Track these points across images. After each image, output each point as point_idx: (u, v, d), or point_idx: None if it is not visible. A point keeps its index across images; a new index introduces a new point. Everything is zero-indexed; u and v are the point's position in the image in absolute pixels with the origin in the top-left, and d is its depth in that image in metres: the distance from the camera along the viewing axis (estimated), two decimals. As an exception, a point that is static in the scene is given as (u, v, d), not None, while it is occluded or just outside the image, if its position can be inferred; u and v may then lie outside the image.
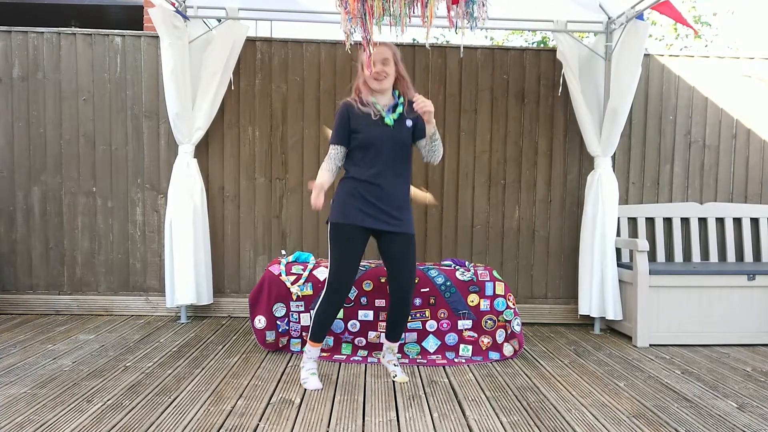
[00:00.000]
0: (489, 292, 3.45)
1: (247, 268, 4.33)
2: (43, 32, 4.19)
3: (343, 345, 3.41)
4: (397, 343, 3.09)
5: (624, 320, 3.96)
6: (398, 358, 3.13)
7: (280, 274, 3.44)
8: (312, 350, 2.94)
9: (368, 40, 2.83)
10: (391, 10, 2.74)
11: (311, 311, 3.39)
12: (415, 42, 4.85)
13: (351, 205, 2.83)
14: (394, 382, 2.95)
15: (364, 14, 2.69)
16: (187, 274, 3.94)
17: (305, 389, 2.81)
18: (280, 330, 3.40)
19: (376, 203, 2.82)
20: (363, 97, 2.89)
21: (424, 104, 2.70)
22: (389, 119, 2.84)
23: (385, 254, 2.91)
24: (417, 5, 2.74)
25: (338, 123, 2.87)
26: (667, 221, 4.34)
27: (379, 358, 3.26)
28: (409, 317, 3.38)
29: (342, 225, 2.84)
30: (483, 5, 2.78)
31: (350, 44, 2.84)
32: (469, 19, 2.80)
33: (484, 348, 3.42)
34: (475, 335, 3.43)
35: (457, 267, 3.55)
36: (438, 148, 2.92)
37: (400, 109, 2.88)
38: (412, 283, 2.92)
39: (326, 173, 2.86)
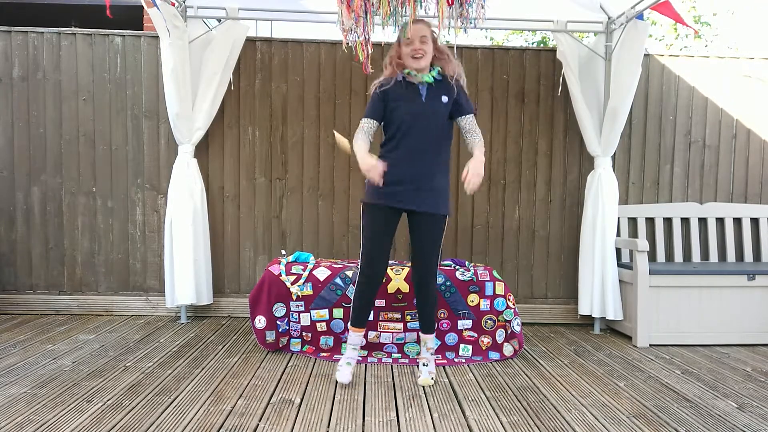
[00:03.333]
0: (489, 292, 3.45)
1: (247, 268, 4.33)
2: (43, 32, 4.19)
3: (343, 345, 3.40)
4: (430, 336, 2.98)
5: (624, 320, 3.96)
6: (431, 356, 3.00)
7: (280, 274, 3.44)
8: (353, 336, 2.94)
9: (367, 39, 2.84)
10: (398, 9, 2.74)
11: (311, 311, 3.39)
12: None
13: (384, 185, 2.75)
14: (394, 382, 2.95)
15: (366, 13, 2.70)
16: (187, 274, 3.94)
17: (305, 389, 2.81)
18: (280, 330, 3.40)
19: (407, 182, 2.78)
20: (396, 70, 2.84)
21: (474, 184, 2.67)
22: (428, 77, 2.80)
23: (410, 235, 2.89)
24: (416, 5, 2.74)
25: (373, 98, 2.85)
26: (667, 221, 4.34)
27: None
28: (410, 317, 3.39)
29: (371, 205, 2.83)
30: (482, 7, 2.78)
31: (347, 44, 2.84)
32: (463, 20, 2.80)
33: (484, 348, 3.42)
34: (475, 335, 3.43)
35: (457, 267, 3.55)
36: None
37: (433, 74, 2.82)
38: (429, 267, 2.86)
39: (362, 142, 2.78)
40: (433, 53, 2.84)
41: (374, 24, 2.84)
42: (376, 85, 2.88)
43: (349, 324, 2.99)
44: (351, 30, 2.78)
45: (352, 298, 2.96)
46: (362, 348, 3.38)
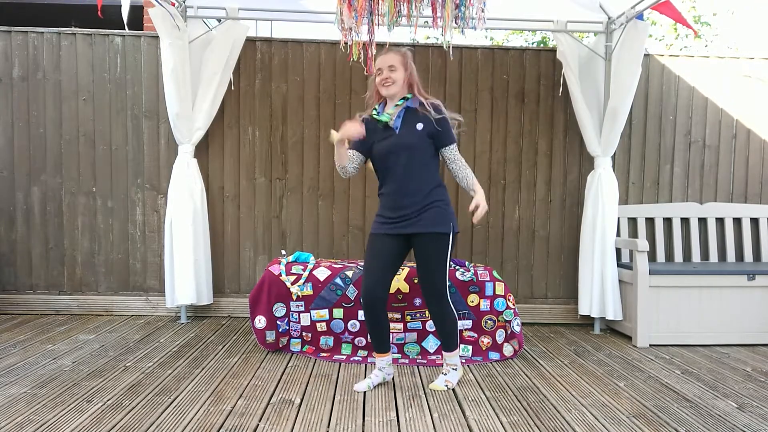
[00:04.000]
0: (489, 292, 3.45)
1: (247, 268, 4.33)
2: (43, 32, 4.19)
3: (343, 345, 3.41)
4: (451, 353, 2.89)
5: (624, 320, 3.96)
6: (453, 370, 2.91)
7: (280, 274, 3.44)
8: (377, 360, 2.89)
9: (371, 40, 2.84)
10: (403, 11, 2.74)
11: (311, 311, 3.39)
12: (415, 42, 4.85)
13: (378, 216, 2.87)
14: (394, 382, 2.95)
15: (370, 14, 2.70)
16: (187, 274, 3.94)
17: (305, 389, 2.81)
18: (280, 330, 3.40)
19: (395, 210, 2.79)
20: (370, 111, 2.87)
21: (477, 211, 2.73)
22: (385, 116, 2.79)
23: (416, 261, 2.85)
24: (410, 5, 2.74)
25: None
26: (667, 221, 4.34)
27: None
28: (410, 317, 3.39)
29: (371, 235, 2.89)
30: (482, 10, 2.77)
31: (346, 43, 2.84)
32: (459, 21, 2.80)
33: (484, 348, 3.42)
34: (475, 335, 3.43)
35: (457, 267, 3.55)
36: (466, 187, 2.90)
37: (393, 109, 2.80)
38: (435, 287, 2.78)
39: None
40: (406, 79, 2.79)
41: (378, 25, 2.85)
42: (360, 116, 2.88)
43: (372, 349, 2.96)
44: (351, 29, 2.78)
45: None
46: (362, 348, 3.40)
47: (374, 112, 2.86)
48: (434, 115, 2.78)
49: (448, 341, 2.88)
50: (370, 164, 2.96)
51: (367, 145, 2.85)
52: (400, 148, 2.78)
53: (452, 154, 2.86)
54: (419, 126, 2.79)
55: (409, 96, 2.82)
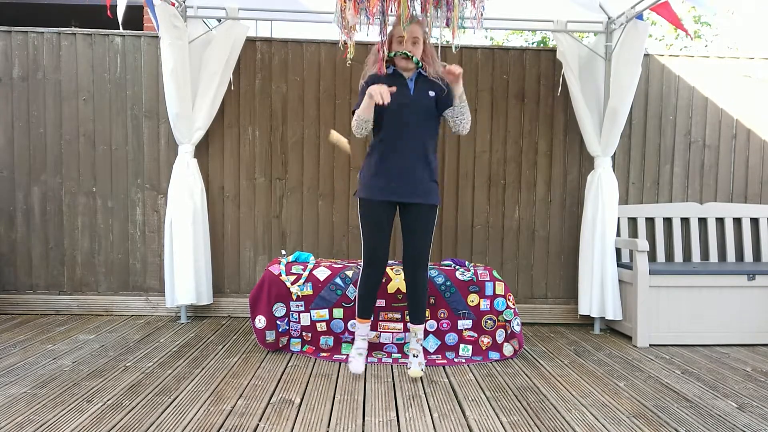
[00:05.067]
0: (489, 292, 3.45)
1: (247, 268, 4.33)
2: (43, 32, 4.19)
3: (343, 345, 3.41)
4: (420, 326, 3.03)
5: (624, 320, 3.96)
6: (421, 347, 3.05)
7: (280, 274, 3.44)
8: (360, 327, 3.02)
9: (383, 41, 2.84)
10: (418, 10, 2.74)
11: (311, 311, 3.39)
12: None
13: (374, 179, 2.88)
14: (394, 382, 2.95)
15: (382, 14, 2.70)
16: (187, 274, 3.94)
17: (305, 389, 2.81)
18: (280, 330, 3.40)
19: (397, 176, 2.85)
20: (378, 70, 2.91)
21: (455, 67, 2.75)
22: (415, 59, 2.86)
23: (402, 225, 2.97)
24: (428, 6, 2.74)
25: (362, 93, 2.90)
26: (667, 221, 4.34)
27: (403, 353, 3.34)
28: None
29: (366, 200, 2.91)
30: (482, 10, 2.77)
31: (345, 42, 2.84)
32: (449, 22, 2.80)
33: (484, 348, 3.42)
34: (475, 335, 3.43)
35: (457, 267, 3.55)
36: (466, 112, 2.95)
37: (415, 75, 2.91)
38: (421, 256, 2.93)
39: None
40: (421, 55, 2.92)
41: (390, 25, 2.86)
42: (365, 79, 2.95)
43: (356, 315, 3.06)
44: (353, 28, 2.78)
45: (357, 289, 3.04)
46: (362, 348, 3.40)
47: (397, 53, 2.87)
48: (441, 82, 2.91)
49: (422, 312, 3.02)
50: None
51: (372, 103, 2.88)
52: (416, 108, 2.87)
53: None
54: (431, 93, 2.92)
55: (420, 64, 2.92)
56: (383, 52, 2.85)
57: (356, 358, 2.96)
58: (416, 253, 2.93)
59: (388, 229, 2.94)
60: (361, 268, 3.00)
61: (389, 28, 2.93)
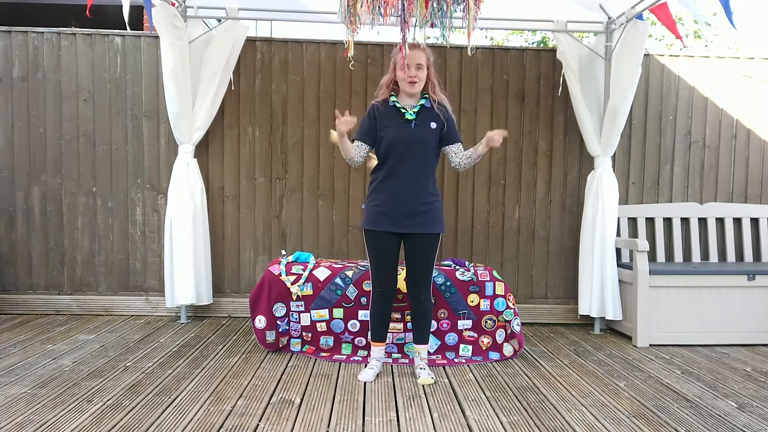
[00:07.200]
0: (489, 292, 3.45)
1: (247, 268, 4.33)
2: (43, 32, 4.19)
3: (343, 345, 3.41)
4: (423, 347, 3.07)
5: (624, 320, 3.96)
6: (426, 364, 3.08)
7: (280, 274, 3.44)
8: (375, 350, 3.08)
9: (404, 40, 2.83)
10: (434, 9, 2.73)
11: (311, 311, 3.39)
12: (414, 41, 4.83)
13: (378, 210, 2.94)
14: (394, 382, 2.95)
15: (403, 12, 2.69)
16: (187, 274, 3.93)
17: (305, 389, 2.81)
18: (280, 330, 3.40)
19: (399, 207, 2.91)
20: (384, 98, 2.99)
21: (500, 134, 2.83)
22: (410, 114, 2.91)
23: (405, 251, 3.02)
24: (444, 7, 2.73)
25: (364, 120, 2.99)
26: (667, 221, 4.34)
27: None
28: (410, 317, 3.38)
29: (371, 232, 2.98)
30: (477, 11, 2.76)
31: (347, 40, 2.83)
32: (440, 23, 2.79)
33: (484, 348, 3.42)
34: (475, 335, 3.43)
35: (457, 267, 3.55)
36: (473, 162, 3.03)
37: (417, 108, 2.94)
38: (425, 282, 3.00)
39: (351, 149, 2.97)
40: (425, 80, 2.95)
41: (411, 26, 2.84)
42: (369, 107, 3.03)
43: (369, 339, 3.13)
44: (361, 24, 2.77)
45: (369, 311, 3.09)
46: (362, 348, 3.40)
47: (392, 98, 2.97)
48: (443, 116, 2.96)
49: (426, 334, 3.07)
50: (370, 160, 3.01)
51: (373, 132, 2.97)
52: (417, 141, 2.91)
53: (458, 149, 3.02)
54: (432, 125, 2.95)
55: (426, 95, 2.98)
56: (405, 50, 2.83)
57: (367, 372, 3.00)
58: (420, 274, 2.99)
59: (394, 255, 3.00)
60: (372, 294, 3.06)
61: (408, 28, 2.92)
